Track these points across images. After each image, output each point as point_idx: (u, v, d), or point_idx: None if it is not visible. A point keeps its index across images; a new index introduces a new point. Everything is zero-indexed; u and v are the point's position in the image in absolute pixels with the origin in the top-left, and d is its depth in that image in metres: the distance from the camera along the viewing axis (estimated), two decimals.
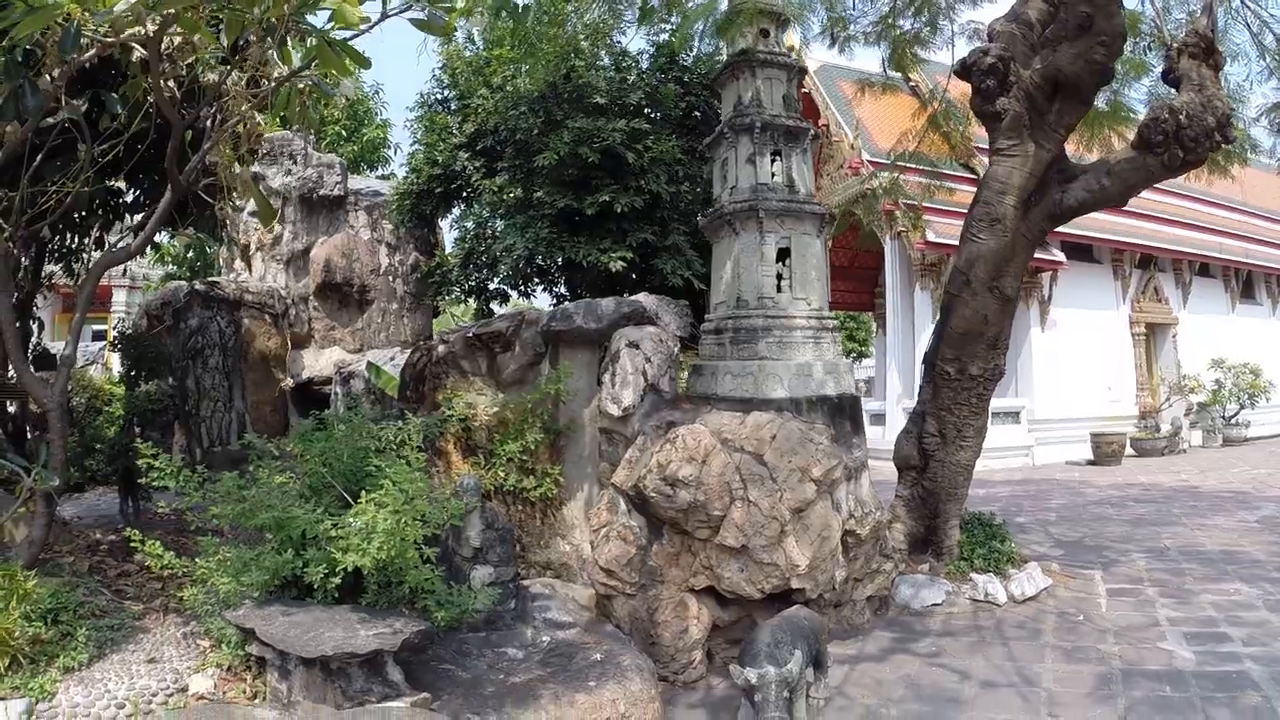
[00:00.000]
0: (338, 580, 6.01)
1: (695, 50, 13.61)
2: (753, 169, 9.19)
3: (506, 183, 12.35)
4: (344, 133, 23.19)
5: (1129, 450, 22.48)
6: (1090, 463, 21.77)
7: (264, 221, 7.88)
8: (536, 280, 12.86)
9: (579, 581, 8.41)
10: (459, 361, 9.22)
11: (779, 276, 9.05)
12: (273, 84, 7.36)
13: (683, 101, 13.13)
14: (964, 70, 9.21)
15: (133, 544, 6.68)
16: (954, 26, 11.80)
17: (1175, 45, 8.94)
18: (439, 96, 14.77)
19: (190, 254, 21.18)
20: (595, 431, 8.78)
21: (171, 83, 7.47)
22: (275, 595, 6.40)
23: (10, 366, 10.88)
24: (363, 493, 6.46)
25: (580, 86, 12.43)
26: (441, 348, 9.35)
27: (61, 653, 6.02)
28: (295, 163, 16.69)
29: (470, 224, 12.62)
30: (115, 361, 17.18)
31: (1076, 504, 15.35)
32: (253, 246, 16.96)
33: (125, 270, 25.78)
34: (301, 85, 7.34)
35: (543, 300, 16.29)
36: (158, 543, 6.69)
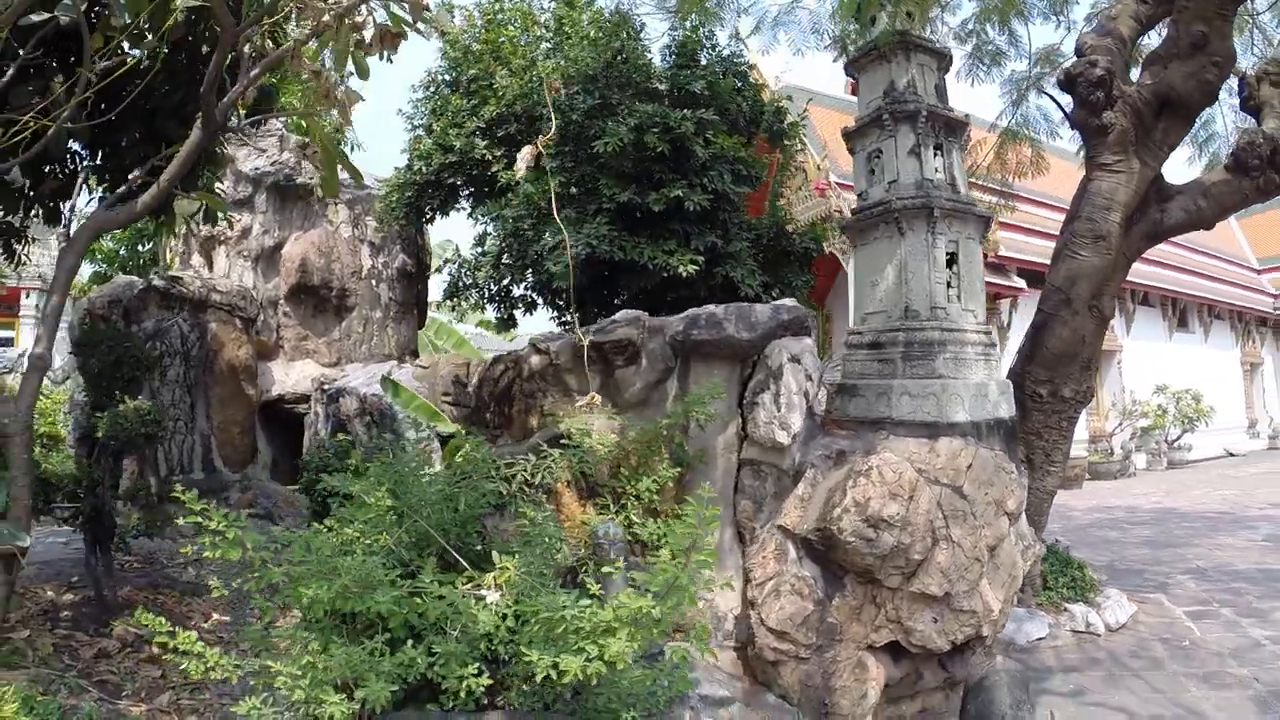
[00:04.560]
0: (487, 681, 4.40)
1: (717, 49, 12.04)
2: (917, 162, 7.89)
3: (555, 170, 10.56)
4: (302, 124, 20.82)
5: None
6: None
7: (329, 191, 5.86)
8: (601, 285, 11.04)
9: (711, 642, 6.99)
10: (563, 377, 7.54)
11: (948, 285, 7.60)
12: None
13: (739, 97, 11.53)
14: (1069, 81, 8.95)
15: (168, 644, 4.60)
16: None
17: (1254, 73, 9.22)
18: (447, 78, 12.83)
19: (123, 251, 18.55)
20: (729, 463, 7.33)
21: None
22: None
23: None
24: (495, 554, 5.01)
25: (636, 69, 10.75)
26: (536, 359, 7.61)
27: None
28: (269, 145, 14.46)
29: (509, 215, 10.74)
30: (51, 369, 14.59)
31: (1072, 528, 15.40)
32: (216, 239, 14.59)
33: (56, 261, 22.76)
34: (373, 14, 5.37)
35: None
36: (190, 633, 4.66)
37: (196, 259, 15.22)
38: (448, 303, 12.84)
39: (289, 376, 14.61)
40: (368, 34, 5.33)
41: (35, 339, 5.90)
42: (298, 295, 14.97)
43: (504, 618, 4.58)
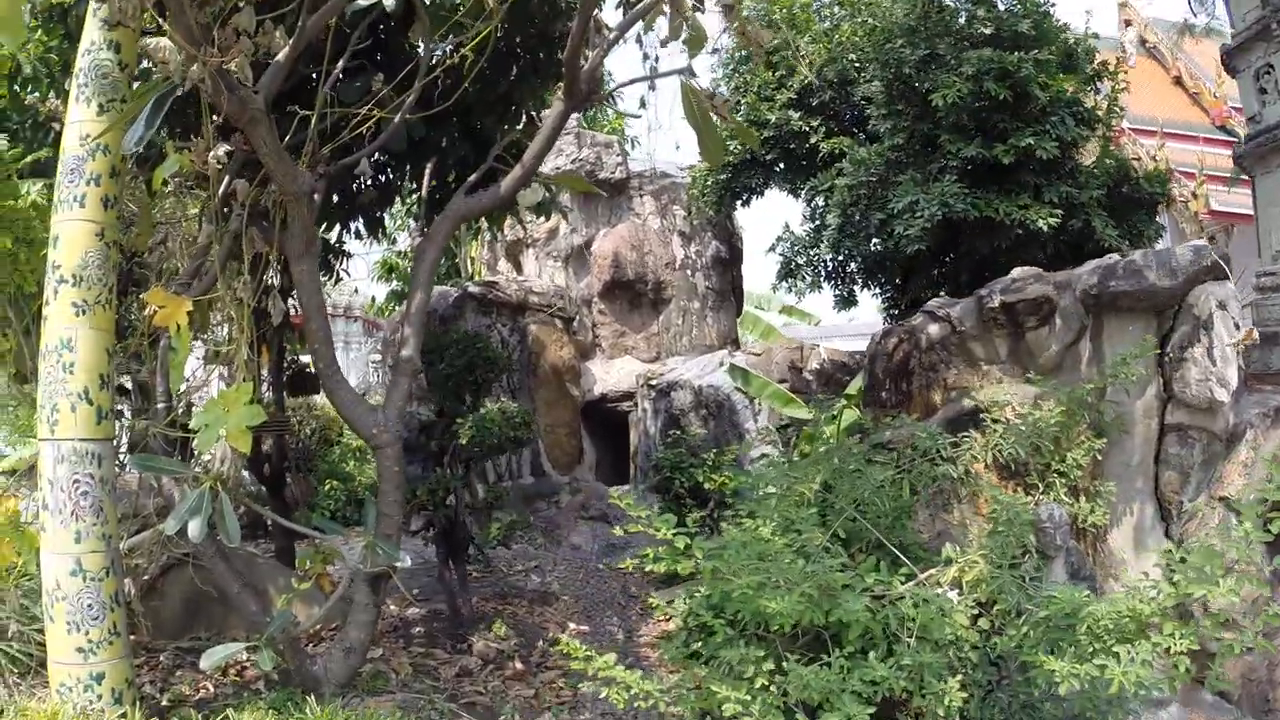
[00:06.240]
0: (964, 695, 4.02)
1: None
2: None
3: (890, 130, 10.52)
4: (584, 122, 21.57)
5: None
6: None
7: (712, 157, 5.63)
8: (944, 251, 10.88)
9: None
10: (967, 345, 7.34)
11: None
12: None
13: (1065, 35, 11.11)
14: None
15: (586, 670, 4.36)
16: None
17: None
18: (745, 51, 12.92)
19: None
20: (1148, 430, 6.85)
21: None
22: None
23: (275, 384, 8.25)
24: (948, 546, 4.80)
25: (953, 14, 10.59)
26: (934, 328, 7.47)
27: None
28: (566, 142, 14.87)
29: (843, 183, 10.71)
30: None
31: None
32: (523, 243, 15.15)
33: (414, 256, 23.96)
34: None
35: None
36: (608, 656, 4.37)
37: (503, 264, 15.72)
38: (782, 284, 12.89)
39: (609, 375, 14.85)
40: None
41: (402, 342, 5.68)
42: (611, 292, 15.25)
43: (973, 618, 4.27)
